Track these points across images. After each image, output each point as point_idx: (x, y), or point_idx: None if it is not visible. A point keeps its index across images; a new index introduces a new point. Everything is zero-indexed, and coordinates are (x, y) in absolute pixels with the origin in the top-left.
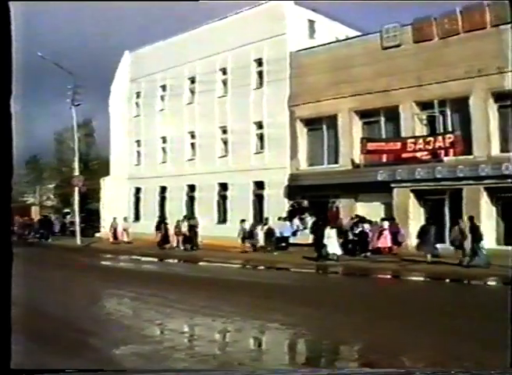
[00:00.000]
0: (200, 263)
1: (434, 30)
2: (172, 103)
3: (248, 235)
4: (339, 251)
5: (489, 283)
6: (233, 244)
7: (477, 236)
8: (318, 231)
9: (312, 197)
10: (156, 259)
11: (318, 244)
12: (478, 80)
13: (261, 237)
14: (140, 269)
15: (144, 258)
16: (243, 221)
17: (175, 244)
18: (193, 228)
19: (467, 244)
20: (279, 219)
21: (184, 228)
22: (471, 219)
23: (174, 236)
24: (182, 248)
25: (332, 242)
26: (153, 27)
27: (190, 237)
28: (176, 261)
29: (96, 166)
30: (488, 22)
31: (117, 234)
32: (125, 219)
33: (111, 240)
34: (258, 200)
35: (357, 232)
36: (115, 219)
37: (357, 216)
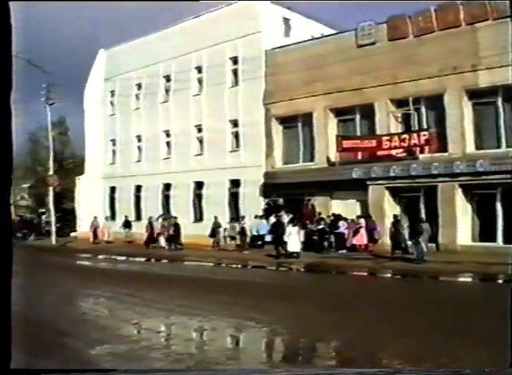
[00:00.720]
0: (177, 262)
1: (409, 28)
2: (148, 102)
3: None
4: (298, 249)
5: (465, 279)
6: (210, 242)
7: (416, 232)
8: (278, 229)
9: (288, 195)
10: (134, 259)
11: (278, 241)
12: (452, 77)
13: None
14: (117, 268)
15: (120, 258)
16: (233, 219)
17: (162, 244)
18: (177, 227)
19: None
20: (256, 217)
21: (170, 227)
22: (334, 216)
23: (161, 235)
24: (167, 247)
25: (292, 240)
26: (128, 25)
27: (175, 236)
28: (152, 260)
29: (71, 165)
30: (462, 20)
31: (98, 234)
32: (106, 218)
33: (91, 239)
34: (234, 198)
35: (318, 228)
36: (95, 218)
37: (319, 213)
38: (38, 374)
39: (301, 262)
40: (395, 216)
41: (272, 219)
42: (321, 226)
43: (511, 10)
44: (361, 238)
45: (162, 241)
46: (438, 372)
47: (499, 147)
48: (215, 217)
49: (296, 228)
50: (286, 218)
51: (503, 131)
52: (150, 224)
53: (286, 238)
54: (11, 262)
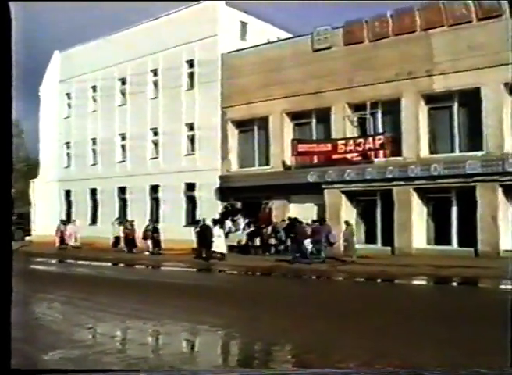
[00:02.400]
0: (135, 266)
1: (364, 32)
2: (104, 104)
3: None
4: (224, 250)
5: (419, 282)
6: (169, 246)
7: (299, 236)
8: (204, 231)
9: (246, 198)
10: (89, 262)
11: (205, 243)
12: (408, 82)
13: None
14: (72, 272)
15: (75, 261)
16: (198, 222)
17: (148, 248)
18: (157, 232)
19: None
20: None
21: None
22: (290, 219)
23: (143, 239)
24: (150, 251)
25: (219, 241)
26: (83, 27)
27: (158, 241)
28: (109, 264)
29: (25, 168)
30: (418, 26)
31: (64, 238)
32: (73, 222)
33: (57, 244)
34: (191, 202)
35: (248, 231)
36: (62, 221)
37: (255, 216)
38: (38, 374)
39: (257, 266)
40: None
41: (228, 223)
42: (251, 229)
43: (511, 10)
44: None
45: (149, 246)
46: (435, 372)
47: (452, 151)
48: (149, 221)
49: (222, 230)
50: (242, 221)
51: (457, 135)
52: (132, 227)
53: (214, 240)
54: (11, 262)
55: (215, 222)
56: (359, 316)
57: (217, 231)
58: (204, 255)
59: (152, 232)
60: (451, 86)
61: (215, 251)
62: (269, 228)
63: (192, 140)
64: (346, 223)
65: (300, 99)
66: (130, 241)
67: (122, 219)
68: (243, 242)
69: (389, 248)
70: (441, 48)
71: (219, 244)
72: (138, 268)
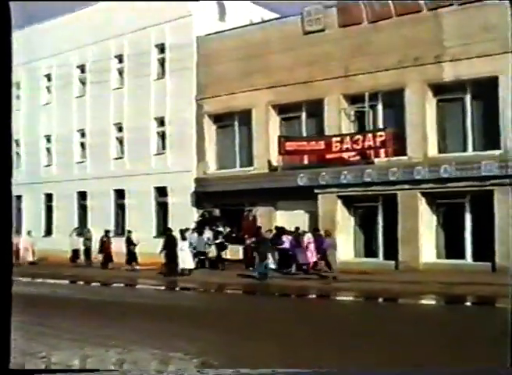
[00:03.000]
0: (93, 284)
1: (363, 12)
2: (60, 96)
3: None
4: (191, 265)
5: (428, 302)
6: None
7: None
8: (169, 244)
9: (225, 205)
10: (45, 280)
11: (171, 258)
12: (413, 70)
13: None
14: (24, 292)
15: (32, 280)
16: (186, 230)
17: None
18: (132, 243)
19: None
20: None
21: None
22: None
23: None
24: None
25: (184, 255)
26: (35, 4)
27: (133, 254)
28: (67, 281)
29: None
30: (423, 5)
31: (19, 253)
32: (29, 233)
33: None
34: (163, 209)
35: (216, 242)
36: (16, 233)
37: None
38: (37, 374)
39: (239, 284)
40: (296, 228)
41: (206, 233)
42: (221, 240)
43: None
44: (311, 255)
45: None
46: (436, 371)
47: (465, 150)
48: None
49: (187, 243)
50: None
51: (470, 131)
52: (108, 239)
53: (178, 254)
54: (11, 263)
55: (182, 233)
56: (355, 346)
57: (180, 244)
58: (169, 271)
59: (127, 244)
60: (463, 74)
61: (183, 268)
62: (253, 239)
63: (162, 137)
64: (327, 233)
65: (288, 89)
66: (106, 254)
67: (82, 229)
68: (212, 255)
69: (393, 263)
70: (451, 30)
71: (185, 259)
72: (101, 286)
